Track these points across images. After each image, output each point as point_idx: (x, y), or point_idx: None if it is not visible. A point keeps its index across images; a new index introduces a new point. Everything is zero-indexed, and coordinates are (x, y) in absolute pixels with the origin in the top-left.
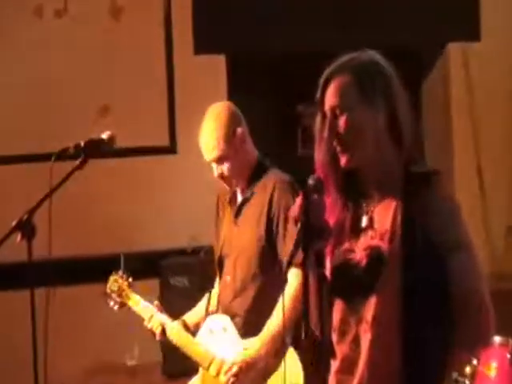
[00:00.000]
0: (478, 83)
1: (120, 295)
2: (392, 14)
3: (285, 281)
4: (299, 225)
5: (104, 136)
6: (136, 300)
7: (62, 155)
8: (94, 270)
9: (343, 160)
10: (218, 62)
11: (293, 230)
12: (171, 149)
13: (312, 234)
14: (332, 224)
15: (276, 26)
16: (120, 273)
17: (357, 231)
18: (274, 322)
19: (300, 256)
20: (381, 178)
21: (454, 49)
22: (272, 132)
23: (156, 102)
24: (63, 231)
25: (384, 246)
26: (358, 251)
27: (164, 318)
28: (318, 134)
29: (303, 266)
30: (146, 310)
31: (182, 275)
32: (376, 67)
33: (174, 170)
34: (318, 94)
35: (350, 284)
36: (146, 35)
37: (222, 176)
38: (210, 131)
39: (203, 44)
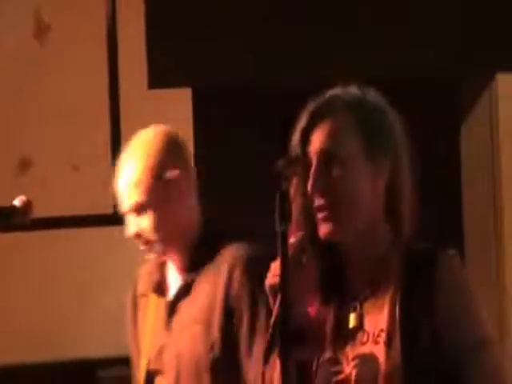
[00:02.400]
0: None
1: None
2: (421, 36)
3: None
4: (273, 318)
5: (16, 202)
6: None
7: None
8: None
9: (324, 229)
10: (181, 97)
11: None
12: (115, 218)
13: (293, 334)
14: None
15: (260, 51)
16: None
17: (342, 334)
18: None
19: None
20: (372, 260)
21: (504, 80)
22: (249, 192)
23: (95, 153)
24: None
25: (379, 352)
26: (345, 362)
27: None
28: (294, 187)
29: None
30: None
31: None
32: (383, 114)
33: (119, 248)
34: (298, 134)
35: None
36: (82, 62)
37: (139, 237)
38: (128, 166)
39: (161, 74)
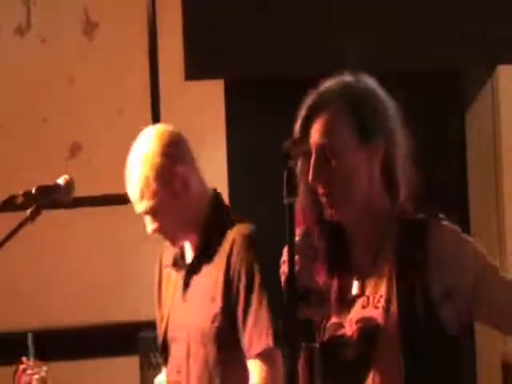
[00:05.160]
0: None
1: None
2: (427, 30)
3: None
4: (285, 285)
5: (60, 181)
6: None
7: (9, 205)
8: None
9: (329, 212)
10: (216, 87)
11: (258, 306)
12: None
13: (298, 297)
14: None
15: (286, 46)
16: (31, 358)
17: (346, 301)
18: None
19: (260, 345)
20: (373, 234)
21: (504, 72)
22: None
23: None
24: (18, 298)
25: (379, 316)
26: (348, 325)
27: None
28: (299, 177)
29: (289, 340)
30: None
31: None
32: (374, 97)
33: None
34: (298, 128)
35: (341, 367)
36: (126, 56)
37: (159, 231)
38: (134, 172)
39: (197, 67)
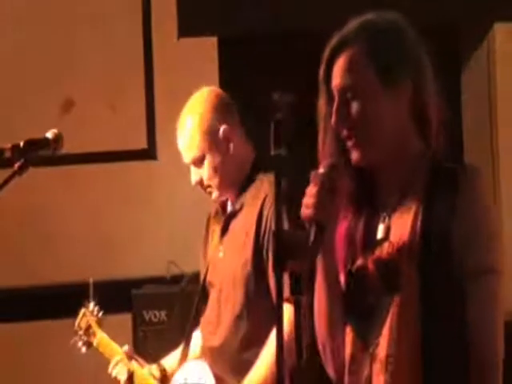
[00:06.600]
0: None
1: (87, 333)
2: None
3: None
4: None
5: (49, 135)
6: (103, 340)
7: None
8: (48, 301)
9: (355, 156)
10: (208, 45)
11: None
12: (149, 153)
13: (286, 250)
14: (343, 234)
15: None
16: (91, 305)
17: (371, 244)
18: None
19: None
20: (401, 177)
21: (501, 30)
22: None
23: (131, 94)
24: (10, 256)
25: (402, 261)
26: (372, 269)
27: (133, 366)
28: (322, 121)
29: (277, 290)
30: (114, 352)
31: (158, 308)
32: (399, 35)
33: (152, 180)
34: (322, 70)
35: (361, 310)
36: (118, 11)
37: (201, 183)
38: (186, 124)
39: (190, 24)
